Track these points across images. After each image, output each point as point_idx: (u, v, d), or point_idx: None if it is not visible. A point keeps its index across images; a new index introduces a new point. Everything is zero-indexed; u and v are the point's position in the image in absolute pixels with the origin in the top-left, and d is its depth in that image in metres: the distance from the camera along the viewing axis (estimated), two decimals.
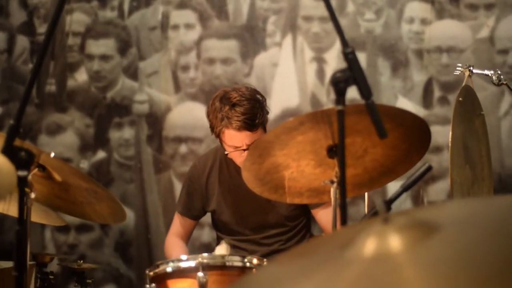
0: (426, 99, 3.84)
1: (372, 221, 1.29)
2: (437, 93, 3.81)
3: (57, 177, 2.39)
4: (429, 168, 1.89)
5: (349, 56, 1.81)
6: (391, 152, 2.22)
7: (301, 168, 2.25)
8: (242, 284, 1.41)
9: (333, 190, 2.14)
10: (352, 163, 2.26)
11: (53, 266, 3.48)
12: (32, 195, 2.31)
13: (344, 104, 1.81)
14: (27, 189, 2.29)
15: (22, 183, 1.78)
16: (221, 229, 3.23)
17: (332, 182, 2.13)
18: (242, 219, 3.15)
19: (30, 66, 4.14)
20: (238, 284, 1.43)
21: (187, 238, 3.33)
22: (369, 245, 1.21)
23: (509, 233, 1.14)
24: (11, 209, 2.45)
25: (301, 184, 2.31)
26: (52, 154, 2.20)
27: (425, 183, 3.77)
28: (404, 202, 3.79)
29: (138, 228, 4.01)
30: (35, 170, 2.33)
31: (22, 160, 1.77)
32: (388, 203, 1.85)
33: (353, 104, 1.96)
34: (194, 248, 3.83)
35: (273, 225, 3.12)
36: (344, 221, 1.76)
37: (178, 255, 3.08)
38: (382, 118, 2.04)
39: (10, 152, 1.76)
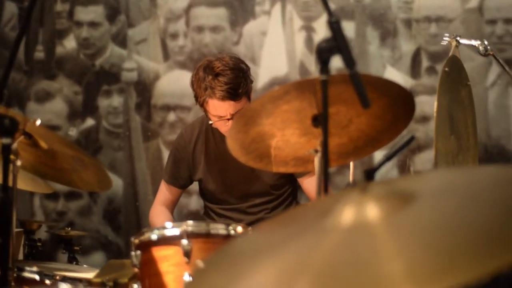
0: (414, 69, 3.84)
1: (351, 190, 1.30)
2: (425, 63, 3.81)
3: (43, 144, 2.39)
4: (412, 138, 1.89)
5: (333, 25, 1.80)
6: (375, 122, 2.23)
7: (286, 137, 2.25)
8: (224, 251, 1.44)
9: (317, 159, 2.16)
10: (337, 132, 2.27)
11: (41, 233, 3.50)
12: (18, 163, 2.33)
13: (328, 73, 1.81)
14: (13, 157, 2.31)
15: (6, 150, 1.78)
16: (208, 198, 3.25)
17: (316, 151, 2.15)
18: (227, 188, 3.17)
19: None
20: (221, 251, 1.45)
21: (173, 206, 3.35)
22: (347, 214, 1.23)
23: (485, 201, 1.16)
24: None
25: (286, 153, 2.31)
26: (38, 122, 2.20)
27: (412, 153, 3.79)
28: (391, 171, 3.81)
29: (127, 196, 4.03)
30: (21, 138, 2.34)
31: (5, 127, 1.76)
32: (371, 172, 1.85)
33: (337, 74, 1.96)
34: (182, 216, 3.86)
35: (259, 194, 3.15)
36: (326, 190, 1.78)
37: (162, 223, 3.10)
38: (367, 88, 2.05)
39: None
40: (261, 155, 2.31)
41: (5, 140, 1.79)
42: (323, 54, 1.80)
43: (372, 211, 1.21)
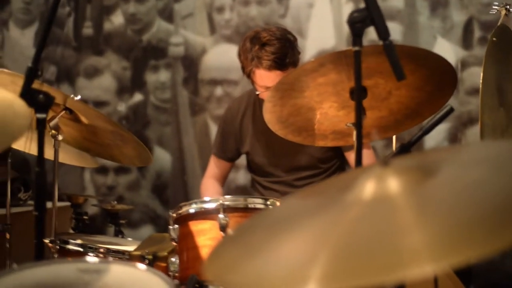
0: (466, 40, 3.73)
1: (372, 165, 1.28)
2: (477, 33, 3.70)
3: (84, 120, 2.42)
4: (451, 110, 1.83)
5: None
6: (415, 94, 2.18)
7: (324, 110, 2.22)
8: (254, 221, 1.44)
9: (355, 133, 2.12)
10: (377, 105, 2.23)
11: (90, 207, 3.56)
12: (60, 137, 2.36)
13: (361, 45, 1.77)
14: (54, 132, 2.34)
15: (41, 125, 1.80)
16: (255, 171, 3.24)
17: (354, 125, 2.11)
18: (275, 161, 3.16)
19: (67, 9, 4.16)
20: (250, 220, 1.45)
21: (223, 180, 3.36)
22: (369, 188, 1.21)
23: (506, 174, 1.12)
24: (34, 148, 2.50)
25: (325, 126, 2.28)
26: (77, 98, 2.22)
27: (463, 125, 3.71)
28: (442, 144, 3.74)
29: (174, 170, 4.05)
30: (63, 113, 2.37)
31: (40, 103, 1.78)
32: (408, 146, 1.81)
33: (373, 45, 1.92)
34: (230, 190, 3.87)
35: (306, 167, 3.12)
36: (359, 164, 1.75)
37: (212, 196, 3.12)
38: (404, 59, 2.00)
39: (28, 95, 1.77)
40: (299, 129, 2.29)
41: (40, 115, 1.80)
42: (355, 24, 1.76)
43: (393, 184, 1.19)
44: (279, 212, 1.45)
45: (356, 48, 1.76)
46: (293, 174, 3.14)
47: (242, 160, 3.32)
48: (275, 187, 3.17)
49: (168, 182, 4.06)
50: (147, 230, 3.96)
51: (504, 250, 0.92)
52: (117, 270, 1.50)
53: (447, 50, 3.73)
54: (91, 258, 1.82)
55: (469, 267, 3.65)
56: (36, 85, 1.82)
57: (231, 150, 3.25)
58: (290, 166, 3.14)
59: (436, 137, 3.71)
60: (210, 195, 3.16)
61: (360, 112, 1.74)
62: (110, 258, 2.42)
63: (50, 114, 2.32)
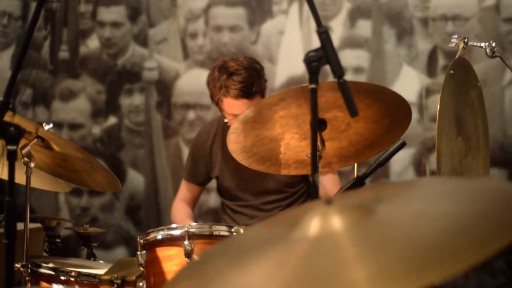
0: (431, 68, 3.85)
1: (317, 202, 1.37)
2: (441, 61, 3.83)
3: (56, 147, 2.50)
4: (403, 144, 1.95)
5: (322, 35, 1.86)
6: (373, 126, 2.28)
7: (287, 141, 2.32)
8: (214, 248, 1.53)
9: (311, 166, 2.21)
10: (337, 136, 2.33)
11: (62, 230, 3.62)
12: (32, 165, 2.44)
13: (317, 82, 1.87)
14: (26, 159, 2.42)
15: (11, 156, 1.88)
16: (224, 195, 3.33)
17: None
18: (243, 185, 3.25)
19: (44, 32, 4.24)
20: (212, 248, 1.54)
21: (194, 203, 3.45)
22: (314, 225, 1.30)
23: (442, 212, 1.22)
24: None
25: (287, 156, 2.38)
26: (47, 127, 2.30)
27: (428, 151, 3.82)
28: (406, 171, 3.84)
29: (148, 192, 4.13)
30: (35, 141, 2.45)
31: (11, 135, 1.86)
32: (362, 178, 1.92)
33: (330, 81, 2.02)
34: (201, 213, 3.95)
35: (273, 191, 3.21)
36: (315, 196, 1.84)
37: (183, 219, 3.21)
38: (361, 94, 2.11)
39: None
40: (263, 158, 2.39)
41: (10, 147, 1.88)
42: (312, 63, 1.86)
43: (336, 222, 1.28)
44: (240, 241, 1.54)
45: (313, 86, 1.87)
46: (261, 198, 3.23)
47: (213, 183, 3.41)
48: (244, 211, 3.26)
49: (142, 203, 4.14)
50: (120, 252, 4.03)
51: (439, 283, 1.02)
52: None
53: (412, 77, 3.85)
54: (57, 286, 1.89)
55: None
56: (7, 117, 1.90)
57: (201, 175, 3.34)
58: (257, 190, 3.23)
59: (401, 162, 3.82)
60: (180, 218, 3.25)
61: (315, 147, 1.84)
62: (76, 286, 2.49)
63: (23, 142, 2.40)
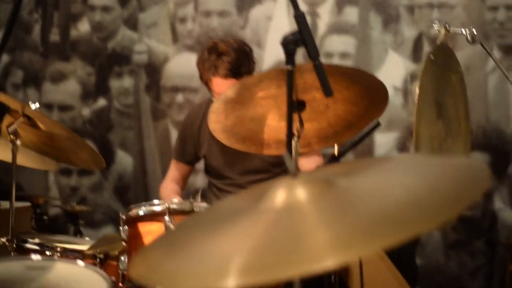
0: (416, 54, 3.91)
1: (284, 176, 1.44)
2: (426, 48, 3.88)
3: (42, 126, 2.56)
4: (378, 125, 2.01)
5: (299, 19, 1.91)
6: (352, 108, 2.34)
7: (267, 121, 2.37)
8: (186, 221, 1.60)
9: (294, 143, 2.28)
10: (316, 118, 2.39)
11: (51, 208, 3.69)
12: (18, 142, 2.50)
13: (294, 64, 1.94)
14: (12, 137, 2.48)
15: None
16: (212, 174, 3.40)
17: (293, 135, 2.26)
18: (229, 164, 3.32)
19: (35, 16, 4.28)
20: (184, 220, 1.61)
21: (183, 183, 3.52)
22: (280, 197, 1.37)
23: (399, 185, 1.29)
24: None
25: (268, 136, 2.43)
26: (33, 106, 2.36)
27: (411, 135, 3.88)
28: (391, 152, 3.91)
29: (136, 173, 4.19)
30: (21, 119, 2.51)
31: None
32: (337, 157, 1.98)
33: (308, 63, 2.07)
34: (189, 193, 4.01)
35: (259, 171, 3.28)
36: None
37: (169, 195, 3.28)
38: (338, 77, 2.17)
39: None
40: (244, 138, 2.44)
41: None
42: (288, 45, 1.93)
43: (301, 193, 1.35)
44: (213, 212, 1.61)
45: (289, 67, 1.93)
46: (247, 177, 3.30)
47: (201, 164, 3.47)
48: (230, 189, 3.33)
49: (130, 184, 4.20)
50: (108, 231, 4.09)
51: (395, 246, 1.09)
52: (60, 267, 1.65)
53: (398, 63, 3.91)
54: (36, 256, 1.96)
55: (415, 269, 3.83)
56: None
57: (190, 154, 3.41)
58: (243, 169, 3.30)
59: (386, 146, 3.88)
60: (167, 194, 3.33)
61: (290, 129, 1.90)
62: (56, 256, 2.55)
63: (10, 120, 2.46)
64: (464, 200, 1.13)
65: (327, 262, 1.09)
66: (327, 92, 1.89)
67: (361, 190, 1.32)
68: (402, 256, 3.56)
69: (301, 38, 1.93)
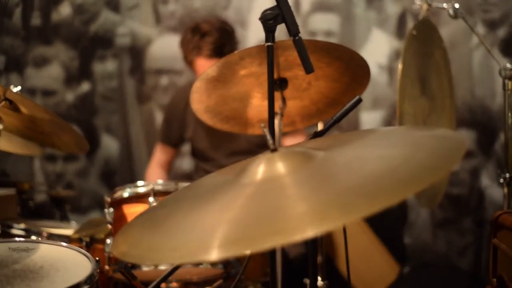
0: (400, 31, 3.90)
1: (264, 151, 1.45)
2: (410, 24, 3.87)
3: (24, 110, 2.53)
4: (359, 100, 1.99)
5: None
6: (334, 85, 2.33)
7: (250, 100, 2.36)
8: (167, 200, 1.60)
9: (277, 122, 2.27)
10: (299, 95, 2.38)
11: (37, 194, 3.67)
12: (1, 127, 2.48)
13: (274, 40, 1.93)
14: None
15: None
16: (198, 156, 3.40)
17: (276, 114, 2.25)
18: (215, 146, 3.31)
19: None
20: (168, 197, 1.62)
21: (169, 166, 3.52)
22: (260, 170, 1.38)
23: (376, 156, 1.29)
24: None
25: (251, 115, 2.43)
26: (15, 89, 2.33)
27: None
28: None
29: (122, 157, 4.17)
30: (3, 103, 2.48)
31: None
32: (320, 134, 1.97)
33: (289, 39, 2.06)
34: (176, 176, 4.00)
35: (245, 152, 3.28)
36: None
37: (153, 179, 3.28)
38: (319, 53, 2.16)
39: None
40: (227, 118, 2.43)
41: None
42: (268, 22, 1.92)
43: (280, 166, 1.36)
44: (196, 188, 1.62)
45: (269, 43, 1.92)
46: (233, 159, 3.29)
47: (187, 147, 3.46)
48: (214, 170, 3.33)
49: (116, 168, 4.18)
50: (95, 215, 4.07)
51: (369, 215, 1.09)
52: (44, 248, 1.64)
53: (382, 40, 3.90)
54: (20, 238, 1.95)
55: (404, 248, 3.84)
56: None
57: (175, 136, 3.41)
58: (229, 151, 3.30)
59: (372, 124, 3.88)
60: (151, 178, 3.33)
61: (272, 106, 1.89)
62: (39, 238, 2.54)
63: None
64: (440, 168, 1.13)
65: (307, 232, 1.10)
66: (308, 68, 1.89)
67: (339, 162, 1.32)
68: (390, 236, 3.57)
69: (280, 14, 1.92)
